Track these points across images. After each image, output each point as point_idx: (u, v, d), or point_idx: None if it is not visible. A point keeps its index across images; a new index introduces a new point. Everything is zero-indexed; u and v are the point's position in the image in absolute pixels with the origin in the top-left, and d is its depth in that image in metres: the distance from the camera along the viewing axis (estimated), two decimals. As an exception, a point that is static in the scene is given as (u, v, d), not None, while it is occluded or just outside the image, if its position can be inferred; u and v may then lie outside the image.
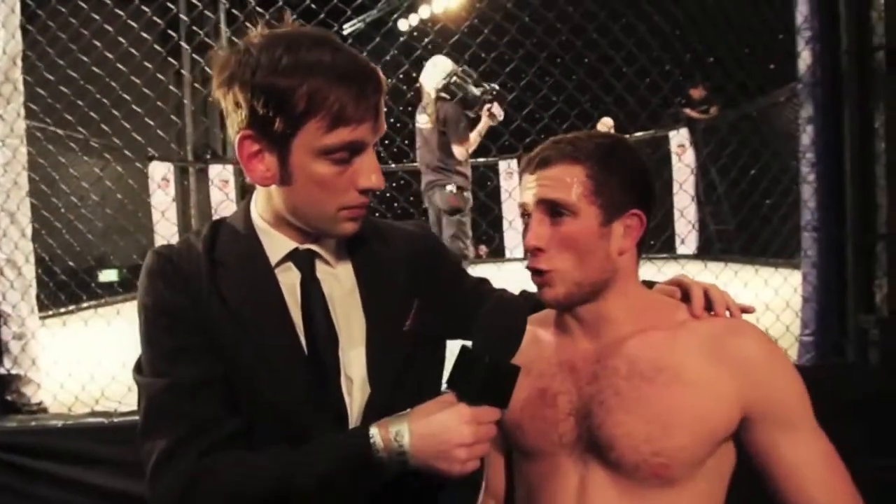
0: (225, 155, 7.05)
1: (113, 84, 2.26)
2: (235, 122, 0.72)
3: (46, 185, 2.41)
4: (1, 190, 1.80)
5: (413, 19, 7.82)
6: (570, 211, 0.75)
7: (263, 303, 0.76)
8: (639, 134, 6.09)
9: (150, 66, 2.44)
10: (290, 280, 0.79)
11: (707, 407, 0.73)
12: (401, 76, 3.07)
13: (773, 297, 2.17)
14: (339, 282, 0.82)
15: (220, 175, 6.56)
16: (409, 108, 3.52)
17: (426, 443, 0.69)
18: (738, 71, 4.66)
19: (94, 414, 1.84)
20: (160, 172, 6.02)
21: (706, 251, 5.75)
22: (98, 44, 2.16)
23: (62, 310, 4.03)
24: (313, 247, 0.80)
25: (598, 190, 0.76)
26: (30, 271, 1.88)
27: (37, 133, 2.39)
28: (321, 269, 0.81)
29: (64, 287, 3.63)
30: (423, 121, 3.17)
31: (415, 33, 7.15)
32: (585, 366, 0.80)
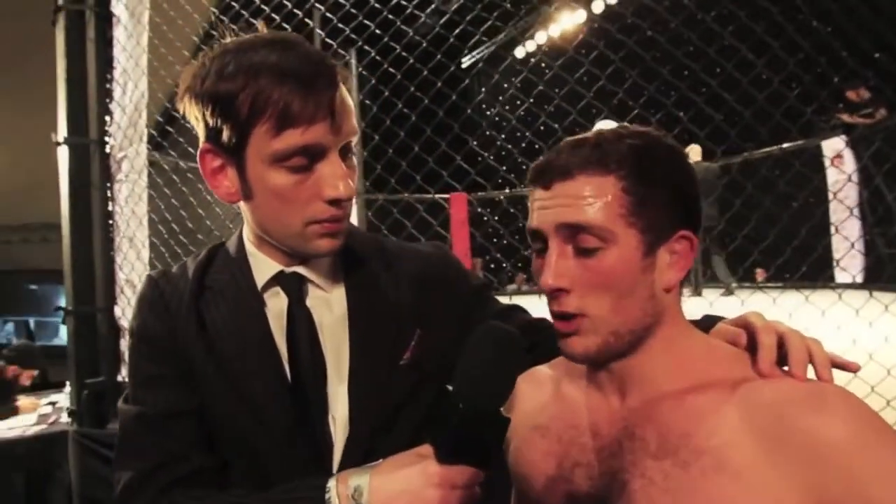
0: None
1: None
2: (198, 137, 0.70)
3: (174, 214, 2.71)
4: (123, 219, 2.05)
5: (530, 45, 7.84)
6: (602, 238, 0.57)
7: (246, 330, 0.72)
8: (786, 145, 5.37)
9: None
10: (277, 306, 0.73)
11: None
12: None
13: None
14: (331, 307, 0.75)
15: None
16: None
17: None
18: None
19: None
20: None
21: (875, 279, 4.81)
22: None
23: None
24: (300, 270, 0.74)
25: (637, 208, 0.57)
26: (145, 290, 2.10)
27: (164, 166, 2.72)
28: (313, 294, 0.74)
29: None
30: None
31: (532, 59, 7.14)
32: (610, 431, 0.63)
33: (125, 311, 2.07)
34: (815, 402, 0.53)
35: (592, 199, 0.57)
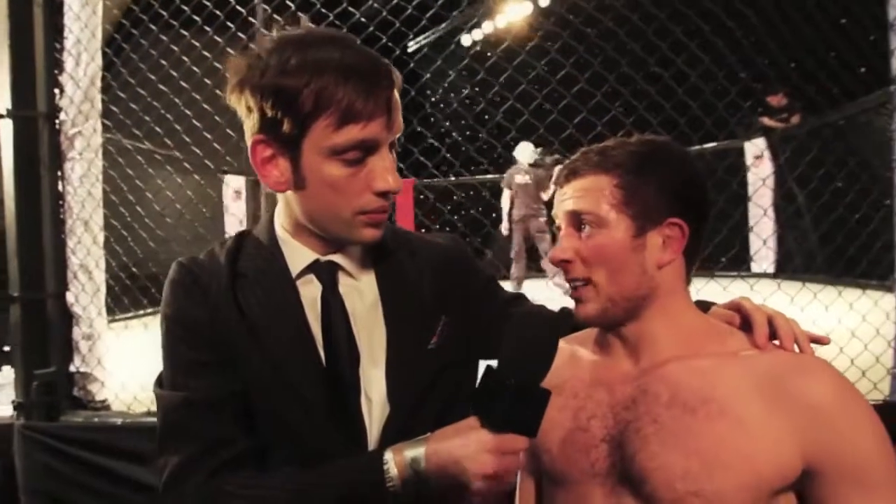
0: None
1: (197, 97, 2.35)
2: (248, 127, 0.71)
3: (132, 196, 2.55)
4: (76, 200, 1.93)
5: (477, 34, 7.90)
6: (596, 222, 0.71)
7: (282, 316, 0.74)
8: (709, 145, 5.77)
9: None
10: (311, 293, 0.76)
11: (757, 449, 0.63)
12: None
13: (859, 323, 1.95)
14: (362, 295, 0.78)
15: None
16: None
17: (444, 471, 0.64)
18: (822, 76, 4.30)
19: (150, 413, 1.92)
20: (234, 185, 6.34)
21: (785, 269, 5.34)
22: (186, 59, 2.25)
23: (141, 312, 4.31)
24: (335, 258, 0.77)
25: (628, 199, 0.71)
26: (100, 276, 1.99)
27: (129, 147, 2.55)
28: (344, 282, 0.78)
29: (146, 291, 3.84)
30: (521, 179, 5.58)
31: (478, 47, 7.20)
32: (624, 389, 0.73)
33: (78, 297, 1.95)
34: (803, 369, 0.66)
35: (591, 192, 0.72)
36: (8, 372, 2.09)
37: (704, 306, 0.81)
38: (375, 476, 0.65)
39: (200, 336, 0.72)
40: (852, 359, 1.73)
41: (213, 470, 0.68)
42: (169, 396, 0.72)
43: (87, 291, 1.95)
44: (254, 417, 0.72)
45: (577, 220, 0.73)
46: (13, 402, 1.93)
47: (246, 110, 0.70)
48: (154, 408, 1.99)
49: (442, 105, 7.94)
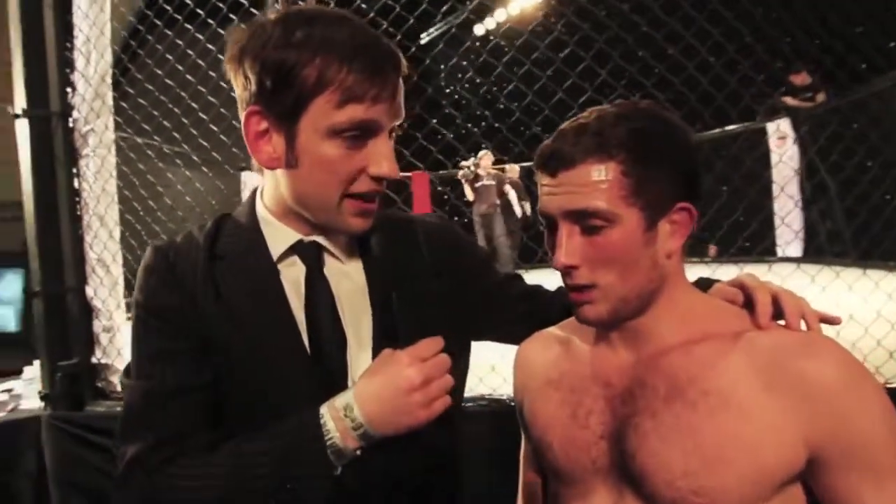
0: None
1: (212, 99, 2.38)
2: (243, 99, 0.69)
3: (147, 194, 2.60)
4: (92, 196, 1.97)
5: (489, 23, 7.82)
6: (606, 219, 0.63)
7: (262, 300, 0.71)
8: (731, 127, 5.63)
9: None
10: (294, 275, 0.73)
11: (760, 440, 0.60)
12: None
13: (885, 303, 1.88)
14: (349, 278, 0.76)
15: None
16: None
17: (377, 404, 0.64)
18: (847, 53, 4.14)
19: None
20: (251, 183, 6.42)
21: (816, 254, 5.18)
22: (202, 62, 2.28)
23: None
24: (319, 239, 0.74)
25: (637, 189, 0.63)
26: (117, 270, 2.04)
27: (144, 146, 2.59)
28: (330, 264, 0.75)
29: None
30: (488, 181, 6.37)
31: (490, 38, 7.14)
32: (621, 382, 0.70)
33: (97, 291, 2.00)
34: (808, 349, 0.62)
35: (595, 185, 0.63)
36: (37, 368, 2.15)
37: (705, 284, 0.77)
38: (313, 431, 0.64)
39: (171, 323, 0.70)
40: (878, 339, 1.66)
41: (167, 459, 0.66)
42: (133, 385, 0.70)
43: (105, 285, 1.99)
44: (226, 408, 0.70)
45: (579, 218, 0.64)
46: (39, 392, 1.99)
47: (243, 80, 0.68)
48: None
49: (456, 95, 7.90)
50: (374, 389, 0.64)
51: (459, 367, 0.80)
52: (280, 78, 0.65)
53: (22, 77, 1.94)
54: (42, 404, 2.00)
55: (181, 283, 0.71)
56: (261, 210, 0.76)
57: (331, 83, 0.64)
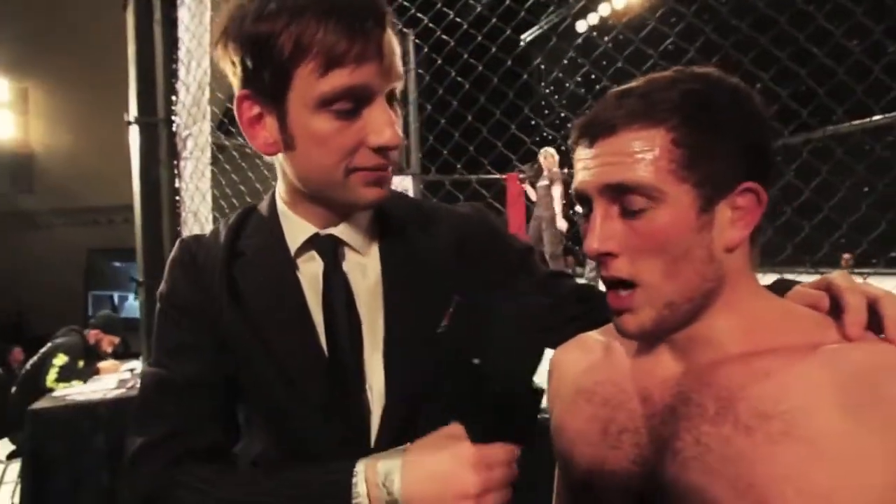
0: (408, 167, 7.60)
1: None
2: (235, 86, 0.67)
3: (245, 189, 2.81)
4: (188, 194, 2.14)
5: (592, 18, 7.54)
6: (650, 197, 0.52)
7: (279, 297, 0.68)
8: (877, 118, 4.88)
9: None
10: (312, 270, 0.70)
11: (834, 485, 0.46)
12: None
13: None
14: (366, 272, 0.71)
15: (401, 185, 7.10)
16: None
17: (420, 491, 0.55)
18: None
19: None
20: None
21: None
22: None
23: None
24: (336, 231, 0.70)
25: (690, 161, 0.51)
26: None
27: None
28: (349, 259, 0.71)
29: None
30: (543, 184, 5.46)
31: (594, 33, 6.88)
32: (663, 397, 0.58)
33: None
34: None
35: (638, 155, 0.52)
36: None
37: (783, 287, 0.63)
38: (342, 491, 0.57)
39: (190, 318, 0.69)
40: None
41: (173, 458, 0.63)
42: (149, 374, 0.70)
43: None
44: (240, 407, 0.68)
45: (618, 194, 0.53)
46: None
47: (231, 65, 0.66)
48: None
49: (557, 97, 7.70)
50: (424, 474, 0.56)
51: None
52: (258, 53, 0.61)
53: (135, 88, 2.16)
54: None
55: (201, 279, 0.70)
56: (279, 202, 0.73)
57: (309, 48, 0.59)
